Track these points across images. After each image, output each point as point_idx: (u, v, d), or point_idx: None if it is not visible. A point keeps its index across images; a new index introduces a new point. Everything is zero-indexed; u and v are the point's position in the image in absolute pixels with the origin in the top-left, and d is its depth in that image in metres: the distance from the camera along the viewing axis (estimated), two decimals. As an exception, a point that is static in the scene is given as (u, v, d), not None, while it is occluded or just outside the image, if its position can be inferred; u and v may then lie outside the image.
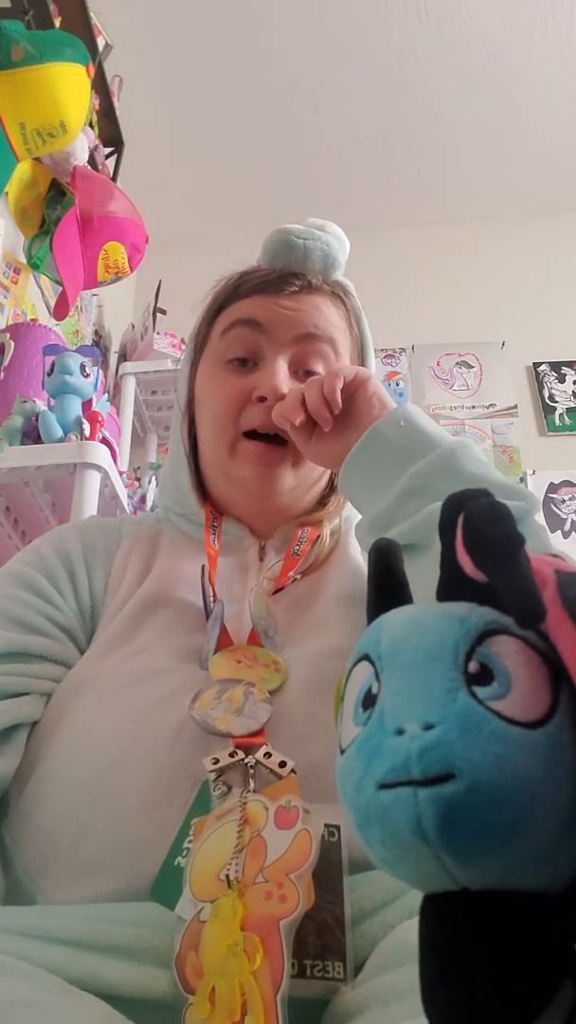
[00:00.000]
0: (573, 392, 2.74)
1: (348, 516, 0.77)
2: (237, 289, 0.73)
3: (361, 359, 0.77)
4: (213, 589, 0.63)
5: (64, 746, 0.53)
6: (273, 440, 0.68)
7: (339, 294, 0.74)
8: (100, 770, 0.50)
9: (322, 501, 0.75)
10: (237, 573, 0.68)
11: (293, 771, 0.47)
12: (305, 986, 0.38)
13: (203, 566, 0.65)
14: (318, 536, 0.71)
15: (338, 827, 0.43)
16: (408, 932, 0.38)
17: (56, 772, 0.52)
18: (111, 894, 0.45)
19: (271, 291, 0.70)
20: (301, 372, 0.70)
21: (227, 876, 0.41)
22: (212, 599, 0.62)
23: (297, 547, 0.69)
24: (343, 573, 0.69)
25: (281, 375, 0.67)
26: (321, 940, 0.39)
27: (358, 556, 0.71)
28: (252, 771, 0.47)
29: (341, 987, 0.38)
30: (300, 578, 0.68)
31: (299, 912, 0.38)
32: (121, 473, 1.56)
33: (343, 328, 0.73)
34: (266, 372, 0.68)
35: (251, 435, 0.68)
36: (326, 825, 0.43)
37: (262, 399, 0.67)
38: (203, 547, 0.70)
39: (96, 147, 2.02)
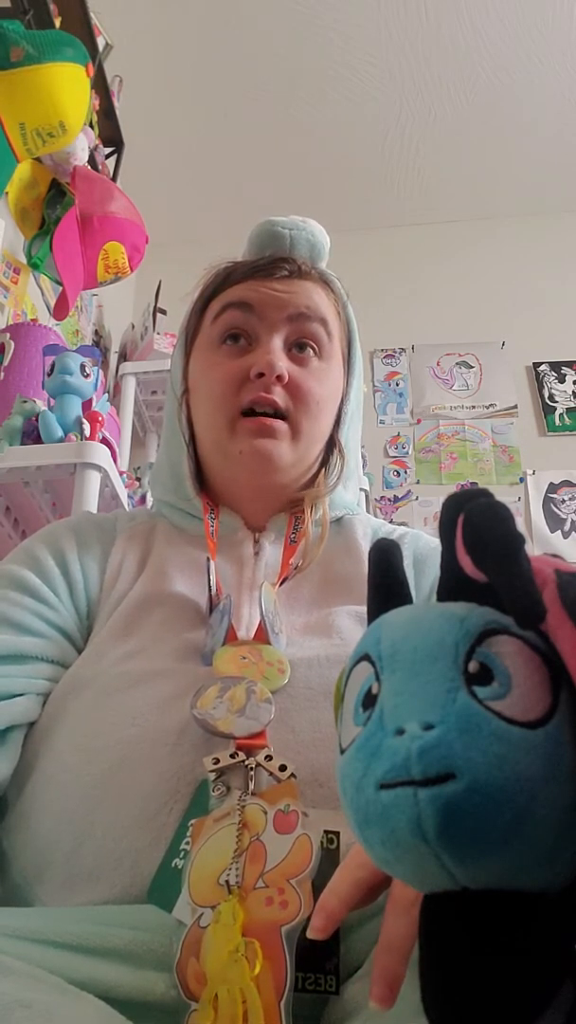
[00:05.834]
0: (573, 392, 2.74)
1: (353, 515, 0.77)
2: (228, 277, 0.73)
3: (349, 347, 0.77)
4: (217, 583, 0.62)
5: (63, 749, 0.52)
6: (272, 417, 0.68)
7: (327, 281, 0.75)
8: (99, 775, 0.49)
9: (312, 481, 0.74)
10: (233, 568, 0.67)
11: (293, 775, 0.46)
12: (295, 998, 0.37)
13: (206, 558, 0.64)
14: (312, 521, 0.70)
15: (337, 834, 0.42)
16: (409, 932, 0.37)
17: (54, 775, 0.51)
18: (108, 902, 0.44)
19: (261, 276, 0.71)
20: (295, 350, 0.70)
21: (227, 881, 0.40)
22: (216, 593, 0.62)
23: (293, 534, 0.68)
24: (349, 577, 0.68)
25: (277, 352, 0.68)
26: (314, 953, 0.38)
27: (365, 558, 0.71)
28: (252, 773, 0.47)
29: (330, 999, 0.38)
30: (299, 573, 0.67)
31: (301, 918, 0.38)
32: (121, 473, 1.56)
33: (333, 312, 0.73)
34: (262, 350, 0.68)
35: (249, 414, 0.68)
36: (325, 831, 0.42)
37: (260, 375, 0.67)
38: (198, 541, 0.69)
39: (96, 147, 2.02)
